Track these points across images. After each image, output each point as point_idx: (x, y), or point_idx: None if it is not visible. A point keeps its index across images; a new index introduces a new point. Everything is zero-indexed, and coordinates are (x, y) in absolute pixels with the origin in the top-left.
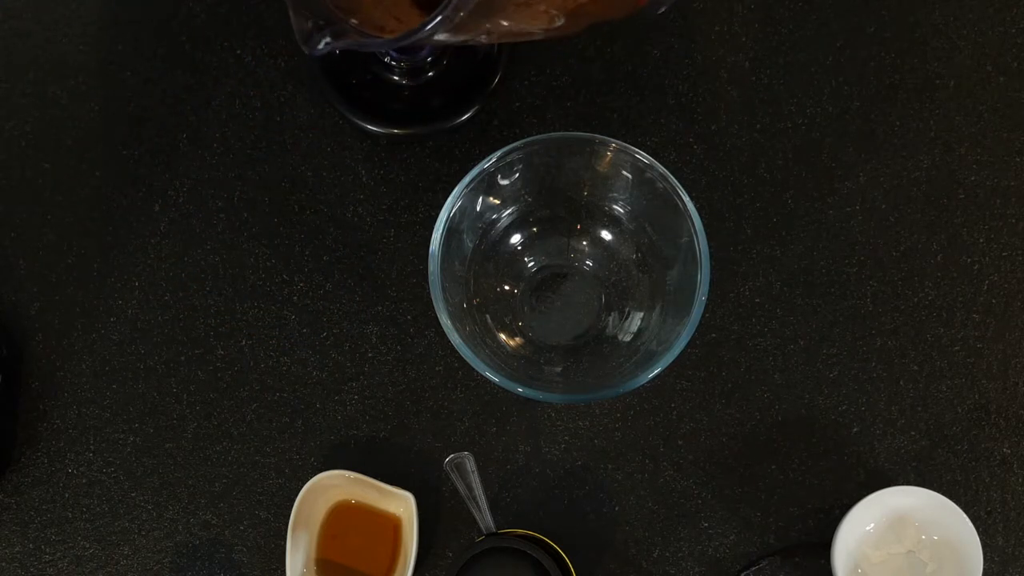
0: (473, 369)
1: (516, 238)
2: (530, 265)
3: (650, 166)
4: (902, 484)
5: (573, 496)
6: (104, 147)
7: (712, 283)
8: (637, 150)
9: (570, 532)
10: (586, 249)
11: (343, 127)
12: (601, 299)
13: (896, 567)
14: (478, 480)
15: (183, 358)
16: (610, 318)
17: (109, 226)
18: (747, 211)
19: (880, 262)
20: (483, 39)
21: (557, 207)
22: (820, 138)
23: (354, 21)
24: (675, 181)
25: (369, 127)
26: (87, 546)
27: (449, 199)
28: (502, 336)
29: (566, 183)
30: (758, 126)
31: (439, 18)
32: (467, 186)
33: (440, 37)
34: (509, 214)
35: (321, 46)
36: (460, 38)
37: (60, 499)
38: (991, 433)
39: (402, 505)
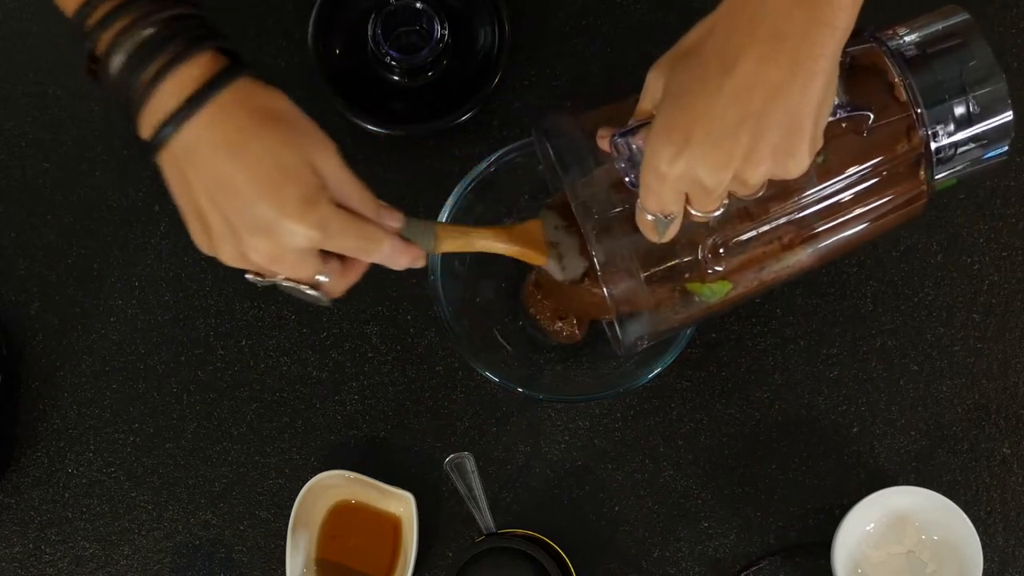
0: (473, 369)
1: None
2: None
3: None
4: (902, 484)
5: (573, 496)
6: (104, 147)
7: None
8: None
9: (570, 532)
10: None
11: (343, 127)
12: None
13: (896, 567)
14: (478, 480)
15: (183, 358)
16: None
17: (109, 226)
18: None
19: (880, 262)
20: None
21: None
22: None
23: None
24: None
25: (369, 127)
26: (87, 546)
27: (449, 199)
28: (502, 336)
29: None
30: None
31: None
32: (467, 186)
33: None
34: (509, 214)
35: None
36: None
37: (60, 499)
38: (991, 433)
39: (402, 505)
